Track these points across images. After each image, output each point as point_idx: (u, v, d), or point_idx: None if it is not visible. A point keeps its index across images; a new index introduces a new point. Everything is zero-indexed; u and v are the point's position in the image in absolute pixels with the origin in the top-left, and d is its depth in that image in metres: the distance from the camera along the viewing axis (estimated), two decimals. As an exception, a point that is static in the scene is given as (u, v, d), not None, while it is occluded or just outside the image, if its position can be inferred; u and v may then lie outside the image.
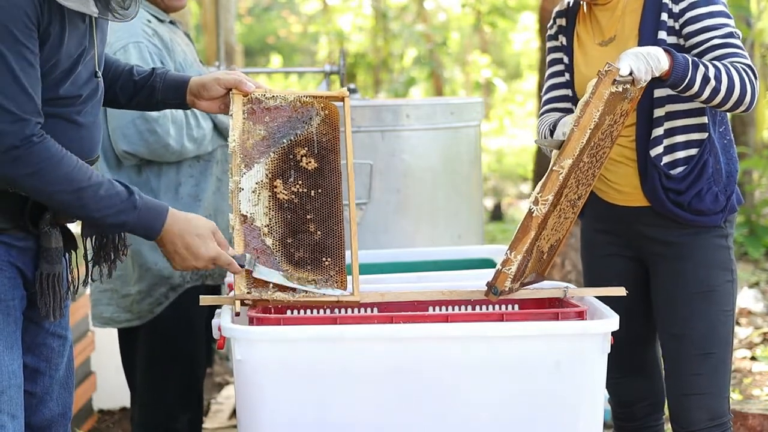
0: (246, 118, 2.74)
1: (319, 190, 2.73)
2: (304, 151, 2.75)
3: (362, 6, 16.42)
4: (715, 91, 2.84)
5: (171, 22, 3.66)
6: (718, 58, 2.89)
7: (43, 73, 2.40)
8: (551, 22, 3.21)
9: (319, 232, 2.71)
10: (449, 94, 16.36)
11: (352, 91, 4.29)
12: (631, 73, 2.73)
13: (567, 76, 3.15)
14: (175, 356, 3.59)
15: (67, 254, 2.64)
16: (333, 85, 4.64)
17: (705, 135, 2.99)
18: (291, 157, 2.74)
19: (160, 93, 2.79)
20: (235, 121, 2.72)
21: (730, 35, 2.92)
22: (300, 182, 2.73)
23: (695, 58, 2.85)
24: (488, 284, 2.74)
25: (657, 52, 2.79)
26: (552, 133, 2.99)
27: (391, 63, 15.34)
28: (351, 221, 2.76)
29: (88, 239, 2.66)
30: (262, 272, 2.65)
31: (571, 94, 3.15)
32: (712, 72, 2.83)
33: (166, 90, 2.80)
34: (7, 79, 2.33)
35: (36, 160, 2.37)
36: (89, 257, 2.68)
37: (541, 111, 3.21)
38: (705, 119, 2.99)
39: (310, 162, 2.75)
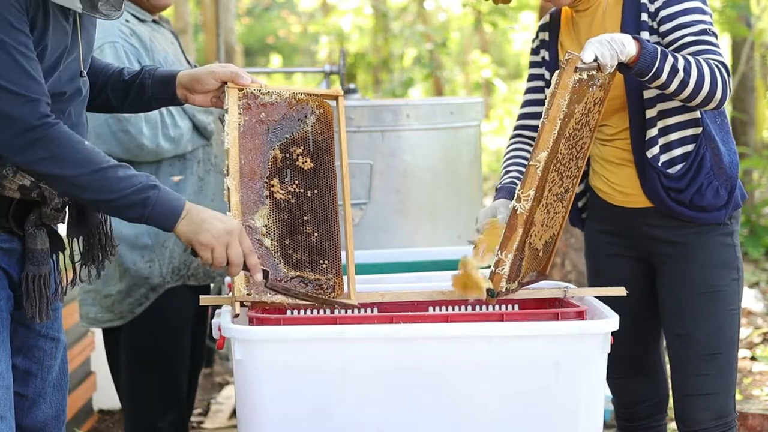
0: (241, 114, 2.70)
1: (316, 191, 2.71)
2: (300, 150, 2.72)
3: (362, 6, 16.41)
4: (684, 83, 2.80)
5: (155, 21, 3.64)
6: (692, 55, 2.86)
7: None
8: (534, 36, 3.19)
9: (316, 234, 2.69)
10: (449, 94, 16.35)
11: (352, 91, 4.28)
12: (596, 59, 2.72)
13: (544, 93, 3.13)
14: (156, 356, 3.58)
15: (54, 255, 2.61)
16: (333, 85, 4.63)
17: (699, 130, 2.97)
18: (287, 155, 2.72)
19: (150, 90, 2.75)
20: (230, 117, 2.68)
21: (704, 32, 2.89)
22: (296, 182, 2.71)
23: (665, 49, 2.82)
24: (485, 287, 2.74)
25: (622, 37, 2.76)
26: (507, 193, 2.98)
27: (391, 63, 15.34)
28: (347, 224, 2.74)
29: (75, 240, 2.64)
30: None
31: None
32: (681, 64, 2.80)
33: (155, 86, 2.75)
34: (9, 64, 2.30)
35: (55, 143, 2.32)
36: (76, 259, 2.66)
37: (514, 127, 3.19)
38: (698, 114, 2.97)
39: (306, 162, 2.73)
